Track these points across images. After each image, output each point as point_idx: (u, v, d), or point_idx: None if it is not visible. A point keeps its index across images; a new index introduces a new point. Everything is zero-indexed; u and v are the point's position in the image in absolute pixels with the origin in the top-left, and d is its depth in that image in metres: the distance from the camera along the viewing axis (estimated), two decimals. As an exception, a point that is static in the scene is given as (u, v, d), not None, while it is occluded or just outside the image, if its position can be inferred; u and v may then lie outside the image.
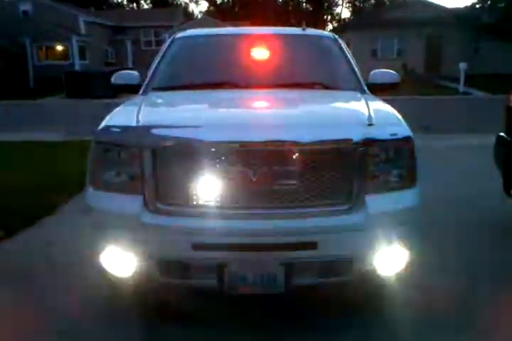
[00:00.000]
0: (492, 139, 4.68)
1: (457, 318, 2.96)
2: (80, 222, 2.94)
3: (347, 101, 3.44)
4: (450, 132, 10.05)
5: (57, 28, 29.66)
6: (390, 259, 2.69)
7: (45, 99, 21.60)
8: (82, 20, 31.95)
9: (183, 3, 61.97)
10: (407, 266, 2.77)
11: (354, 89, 3.70)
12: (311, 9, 54.38)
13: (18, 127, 11.70)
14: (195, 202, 2.54)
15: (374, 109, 2.89)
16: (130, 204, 2.56)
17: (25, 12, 30.79)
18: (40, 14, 29.94)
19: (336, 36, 4.40)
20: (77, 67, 29.50)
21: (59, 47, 30.49)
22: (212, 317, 2.90)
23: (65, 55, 30.54)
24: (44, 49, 30.77)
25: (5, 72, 27.98)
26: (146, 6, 60.11)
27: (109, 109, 3.08)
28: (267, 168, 2.46)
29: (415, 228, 2.74)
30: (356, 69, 3.99)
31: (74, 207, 5.14)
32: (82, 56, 31.11)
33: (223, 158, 2.47)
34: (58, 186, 5.95)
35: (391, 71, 4.00)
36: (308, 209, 2.53)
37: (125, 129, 2.68)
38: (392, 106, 3.11)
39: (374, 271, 2.67)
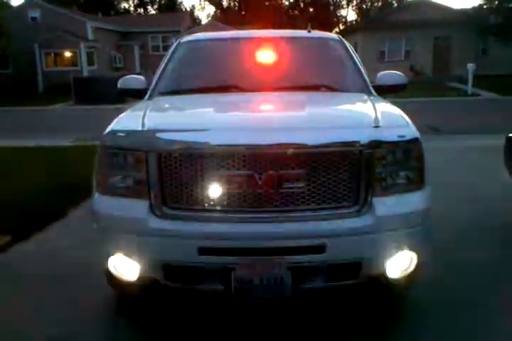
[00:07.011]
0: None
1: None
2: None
3: (353, 103, 3.41)
4: (460, 133, 9.98)
5: (66, 34, 29.93)
6: (399, 262, 2.65)
7: (55, 106, 21.74)
8: (89, 26, 32.13)
9: (188, 9, 62.33)
10: (417, 269, 2.72)
11: (361, 91, 3.68)
12: (316, 12, 54.37)
13: (28, 133, 11.78)
14: (200, 207, 2.52)
15: (381, 111, 2.86)
16: (136, 208, 2.55)
17: (33, 18, 31.12)
18: (48, 20, 30.24)
19: (342, 38, 4.37)
20: (85, 73, 29.69)
21: (67, 53, 30.72)
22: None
23: (74, 60, 30.76)
24: (52, 55, 31.03)
25: (14, 78, 28.29)
26: (153, 12, 60.52)
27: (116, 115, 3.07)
28: (273, 171, 2.43)
29: (425, 230, 2.70)
30: (363, 70, 3.96)
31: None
32: (90, 62, 31.32)
33: (229, 162, 2.45)
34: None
35: (398, 72, 3.97)
36: (316, 213, 2.50)
37: (131, 133, 2.68)
38: (399, 107, 3.07)
39: (383, 274, 2.63)
